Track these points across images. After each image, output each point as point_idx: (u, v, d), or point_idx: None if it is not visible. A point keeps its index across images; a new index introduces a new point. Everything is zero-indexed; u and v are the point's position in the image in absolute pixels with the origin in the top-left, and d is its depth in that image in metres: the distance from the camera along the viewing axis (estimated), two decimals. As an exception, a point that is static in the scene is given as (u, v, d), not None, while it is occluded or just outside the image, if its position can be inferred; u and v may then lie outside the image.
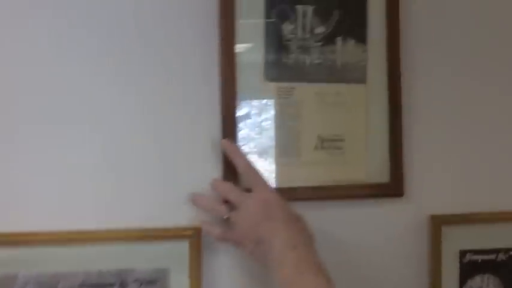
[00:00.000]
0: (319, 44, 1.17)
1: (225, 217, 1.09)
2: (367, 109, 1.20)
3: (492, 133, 1.25)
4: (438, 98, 1.23)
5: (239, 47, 1.14)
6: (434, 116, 1.23)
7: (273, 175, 1.17)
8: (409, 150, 1.22)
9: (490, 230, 1.23)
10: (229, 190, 1.10)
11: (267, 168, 1.16)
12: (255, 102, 1.16)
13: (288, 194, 1.15)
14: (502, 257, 1.23)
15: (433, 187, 1.23)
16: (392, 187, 1.20)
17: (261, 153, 1.16)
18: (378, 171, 1.21)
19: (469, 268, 1.22)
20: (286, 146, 1.18)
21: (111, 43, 1.11)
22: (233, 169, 1.13)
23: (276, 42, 1.15)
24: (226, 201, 1.11)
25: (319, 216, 1.19)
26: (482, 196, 1.24)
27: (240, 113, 1.14)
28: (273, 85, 1.16)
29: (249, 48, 1.15)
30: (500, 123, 1.26)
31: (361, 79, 1.19)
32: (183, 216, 1.13)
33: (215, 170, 1.14)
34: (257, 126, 1.16)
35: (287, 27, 1.15)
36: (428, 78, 1.23)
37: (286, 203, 1.09)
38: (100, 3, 1.11)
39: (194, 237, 1.12)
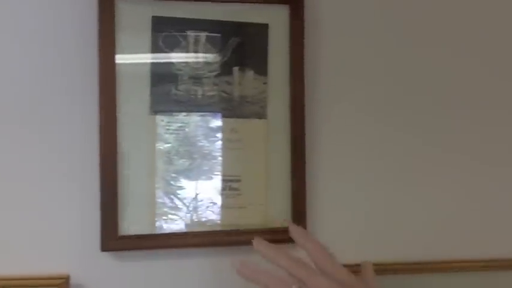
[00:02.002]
0: (213, 74, 1.06)
1: None
2: (267, 147, 1.09)
3: (402, 179, 1.16)
4: (345, 135, 1.14)
5: (122, 77, 1.01)
6: (340, 156, 1.14)
7: (162, 217, 1.05)
8: (313, 193, 1.12)
9: (398, 283, 1.13)
10: (297, 265, 0.88)
11: (156, 211, 1.05)
12: (140, 138, 1.04)
13: (178, 239, 1.05)
14: (412, 310, 1.15)
15: (338, 234, 1.13)
16: (294, 233, 1.11)
17: (146, 197, 1.04)
18: (278, 215, 1.10)
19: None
20: (173, 189, 1.06)
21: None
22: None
23: (165, 72, 1.04)
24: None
25: (213, 264, 1.10)
26: (388, 247, 1.15)
27: (121, 150, 1.02)
28: (160, 119, 1.05)
29: (133, 77, 1.03)
30: (410, 168, 1.16)
31: (261, 114, 1.09)
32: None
33: (94, 211, 1.03)
34: (141, 165, 1.04)
35: (177, 55, 1.04)
36: (334, 114, 1.13)
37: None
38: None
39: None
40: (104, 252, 1.04)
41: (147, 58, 1.03)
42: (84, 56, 1.02)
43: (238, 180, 1.09)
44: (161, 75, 1.04)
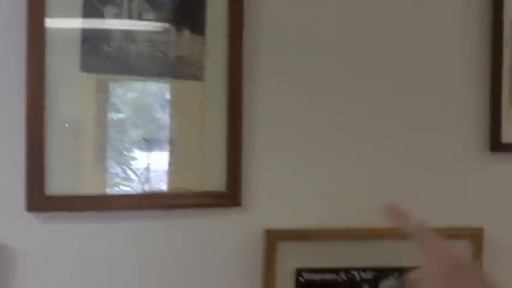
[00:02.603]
0: (148, 32, 1.02)
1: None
2: (203, 110, 1.07)
3: (336, 148, 1.15)
4: (283, 104, 1.12)
5: (50, 33, 0.97)
6: (277, 122, 1.12)
7: (88, 181, 1.02)
8: (248, 158, 1.10)
9: (330, 248, 1.13)
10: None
11: (81, 173, 1.02)
12: (68, 95, 1.00)
13: (105, 202, 1.03)
14: (343, 277, 1.14)
15: (272, 199, 1.12)
16: (229, 197, 1.09)
17: (74, 156, 1.01)
18: (213, 179, 1.08)
19: (306, 288, 1.14)
20: (103, 148, 1.03)
21: None
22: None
23: (96, 28, 0.99)
24: None
25: (146, 228, 1.08)
26: (323, 212, 1.14)
27: (49, 109, 0.98)
28: (90, 77, 1.01)
29: (63, 34, 0.99)
30: (345, 137, 1.15)
31: (197, 76, 1.06)
32: None
33: (17, 170, 1.00)
34: (70, 126, 1.00)
35: (109, 11, 1.00)
36: (273, 80, 1.11)
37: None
38: None
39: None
40: (30, 213, 1.01)
41: (78, 12, 0.99)
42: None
43: (172, 144, 1.06)
44: (93, 32, 1.00)
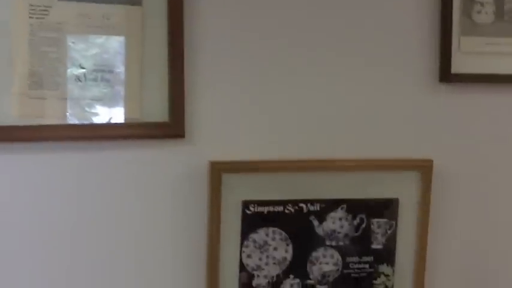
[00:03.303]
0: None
1: None
2: (143, 36, 1.03)
3: (282, 79, 1.12)
4: (228, 29, 1.08)
5: None
6: (223, 49, 1.08)
7: (25, 111, 0.98)
8: (192, 87, 1.07)
9: (277, 181, 1.11)
10: None
11: (16, 102, 0.98)
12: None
13: (41, 132, 0.99)
14: (290, 209, 1.12)
15: (218, 130, 1.09)
16: (172, 127, 1.06)
17: (5, 84, 0.97)
18: (155, 109, 1.05)
19: (253, 220, 1.11)
20: (40, 77, 0.99)
21: None
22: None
23: None
24: None
25: (83, 159, 1.05)
26: (269, 144, 1.12)
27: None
28: (22, 1, 0.96)
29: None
30: (292, 67, 1.12)
31: (134, 0, 1.01)
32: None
33: None
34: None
35: None
36: (215, 4, 1.07)
37: None
38: None
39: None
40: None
41: None
42: None
43: (110, 71, 1.02)
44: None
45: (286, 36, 1.11)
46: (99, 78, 1.02)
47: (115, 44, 1.01)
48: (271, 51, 1.11)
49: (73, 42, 0.99)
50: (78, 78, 1.00)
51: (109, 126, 1.04)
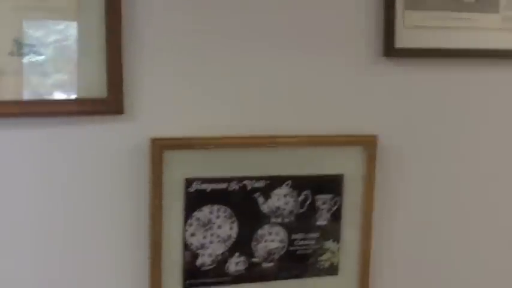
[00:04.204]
0: None
1: None
2: (78, 8, 0.98)
3: (225, 54, 1.09)
4: (170, 1, 1.04)
5: None
6: (163, 22, 1.04)
7: None
8: (131, 61, 1.03)
9: (221, 158, 1.09)
10: None
11: None
12: None
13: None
14: (234, 186, 1.10)
15: (158, 106, 1.06)
16: (110, 103, 1.02)
17: None
18: (92, 84, 1.01)
19: (196, 198, 1.08)
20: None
21: None
22: None
23: None
24: None
25: (18, 137, 1.00)
26: (212, 120, 1.09)
27: None
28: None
29: None
30: (234, 44, 1.09)
31: (69, -31, 0.97)
32: None
33: None
34: None
35: None
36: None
37: None
38: None
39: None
40: None
41: None
42: None
43: (43, 45, 0.98)
44: None
45: (228, 13, 1.08)
46: (32, 52, 0.97)
47: (48, 15, 0.96)
48: (214, 26, 1.08)
49: (5, 16, 0.94)
50: (11, 53, 0.95)
51: (42, 102, 0.99)
